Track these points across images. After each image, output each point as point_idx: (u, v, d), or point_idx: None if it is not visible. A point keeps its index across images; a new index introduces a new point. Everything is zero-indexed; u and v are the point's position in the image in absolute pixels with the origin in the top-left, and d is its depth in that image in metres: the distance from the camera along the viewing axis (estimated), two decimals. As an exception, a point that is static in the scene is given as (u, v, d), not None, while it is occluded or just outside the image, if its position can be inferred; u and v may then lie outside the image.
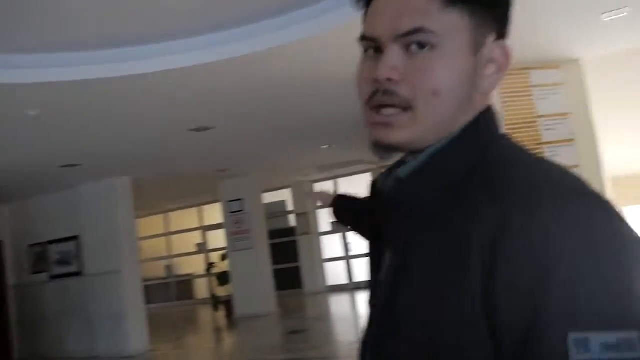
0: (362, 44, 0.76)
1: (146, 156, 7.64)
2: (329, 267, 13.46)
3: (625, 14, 4.09)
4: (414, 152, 0.75)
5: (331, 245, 13.44)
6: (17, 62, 4.05)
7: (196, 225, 15.08)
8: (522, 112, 5.04)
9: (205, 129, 6.43)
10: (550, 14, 4.08)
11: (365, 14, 0.77)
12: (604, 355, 0.53)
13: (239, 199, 11.11)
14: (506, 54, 0.74)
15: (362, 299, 11.64)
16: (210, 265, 12.35)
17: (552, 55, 4.94)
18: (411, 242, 0.72)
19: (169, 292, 15.34)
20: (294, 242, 13.58)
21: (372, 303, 0.82)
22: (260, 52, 4.15)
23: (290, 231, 13.80)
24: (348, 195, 1.77)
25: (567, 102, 5.08)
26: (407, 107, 0.71)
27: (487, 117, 0.75)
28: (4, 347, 9.45)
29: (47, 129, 5.50)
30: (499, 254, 0.59)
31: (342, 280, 13.16)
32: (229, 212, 11.22)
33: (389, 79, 0.70)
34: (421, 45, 0.70)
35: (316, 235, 13.49)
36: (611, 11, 4.04)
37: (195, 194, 13.03)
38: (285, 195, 14.14)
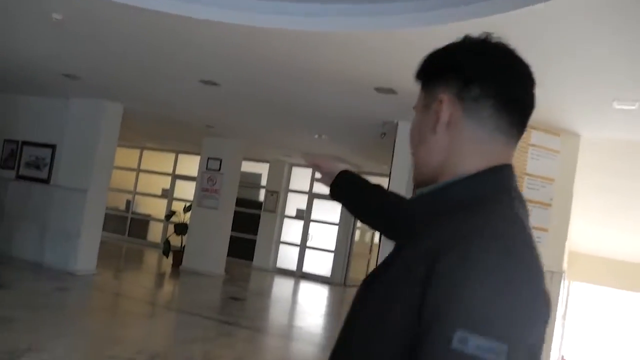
0: None
1: (148, 91, 7.72)
2: (282, 249, 13.69)
3: (635, 107, 4.37)
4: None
5: (292, 229, 13.67)
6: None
7: (168, 170, 15.13)
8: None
9: (212, 83, 6.57)
10: (567, 87, 4.34)
11: None
12: (473, 351, 0.76)
13: (219, 159, 11.25)
14: (444, 102, 0.99)
15: (307, 287, 11.92)
16: (172, 213, 12.46)
17: (557, 122, 5.23)
18: (397, 250, 0.99)
19: (123, 226, 15.37)
20: (257, 216, 13.77)
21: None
22: (301, 31, 4.29)
23: (257, 205, 13.98)
24: (355, 173, 1.65)
25: (556, 169, 5.39)
26: None
27: (496, 177, 0.98)
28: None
29: (64, 35, 5.55)
30: (431, 281, 0.82)
31: (291, 265, 13.40)
32: (206, 168, 11.36)
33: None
34: None
35: (280, 216, 13.70)
36: (623, 101, 4.32)
37: (176, 140, 13.10)
38: (261, 169, 14.30)
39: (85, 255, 8.72)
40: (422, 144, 1.03)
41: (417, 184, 1.05)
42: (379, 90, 5.60)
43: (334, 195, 1.64)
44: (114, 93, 8.33)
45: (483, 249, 0.82)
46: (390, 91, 5.57)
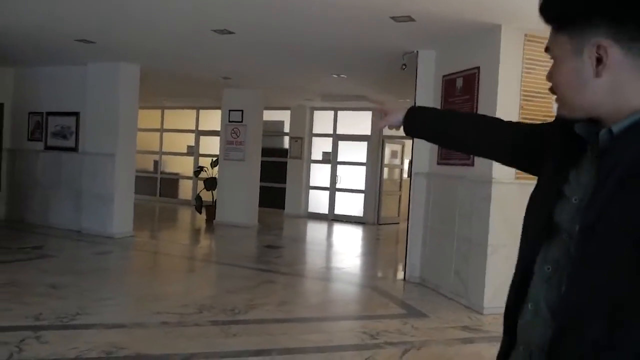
0: None
1: (162, 47, 7.62)
2: (312, 194, 13.75)
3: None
4: (592, 119, 1.11)
5: (319, 173, 13.68)
6: None
7: (191, 127, 15.16)
8: (540, 82, 5.16)
9: (227, 32, 6.45)
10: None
11: None
12: None
13: (240, 110, 11.20)
14: (602, 48, 1.04)
15: (340, 229, 12.01)
16: (199, 169, 12.54)
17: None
18: (623, 178, 1.00)
19: (154, 186, 15.56)
20: (284, 163, 13.78)
21: (551, 217, 1.15)
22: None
23: (283, 152, 13.98)
24: (422, 107, 1.68)
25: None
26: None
27: None
28: (-9, 206, 9.69)
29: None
30: None
31: (323, 209, 13.48)
32: (228, 121, 11.33)
33: (548, 80, 1.16)
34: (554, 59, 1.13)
35: (307, 161, 13.69)
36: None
37: (196, 96, 13.05)
38: (283, 117, 14.21)
39: (121, 218, 8.87)
40: (584, 88, 1.08)
41: (572, 119, 1.14)
42: (395, 19, 5.42)
43: (409, 132, 1.67)
44: (130, 54, 8.26)
45: None
46: (408, 19, 5.39)
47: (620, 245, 0.97)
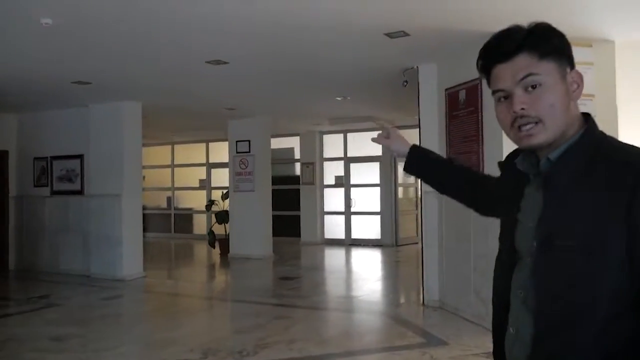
0: (495, 95, 1.28)
1: (160, 83, 7.52)
2: (328, 219, 13.48)
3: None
4: (547, 146, 1.24)
5: (333, 198, 13.42)
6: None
7: (202, 161, 15.05)
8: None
9: (221, 62, 6.30)
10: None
11: (488, 79, 1.30)
12: None
13: (247, 140, 11.04)
14: (579, 75, 1.26)
15: (358, 254, 11.70)
16: (211, 203, 12.37)
17: (587, 33, 4.75)
18: (564, 196, 1.20)
19: (168, 223, 15.42)
20: (296, 191, 13.56)
21: (509, 244, 1.32)
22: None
23: (294, 180, 13.77)
24: (423, 148, 1.88)
25: (594, 83, 4.91)
26: (538, 122, 1.22)
27: (593, 121, 1.27)
28: (0, 257, 9.59)
29: (61, 41, 5.38)
30: (636, 197, 1.10)
31: (340, 234, 13.19)
32: (236, 152, 11.17)
33: (522, 109, 1.22)
34: (533, 86, 1.22)
35: (320, 187, 13.46)
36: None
37: (204, 130, 12.95)
38: (293, 143, 14.04)
39: (130, 259, 8.69)
40: (568, 110, 1.24)
41: (540, 147, 1.25)
42: (390, 35, 5.21)
43: (408, 170, 1.87)
44: (129, 92, 8.18)
45: None
46: (403, 34, 5.17)
47: (573, 255, 1.13)
